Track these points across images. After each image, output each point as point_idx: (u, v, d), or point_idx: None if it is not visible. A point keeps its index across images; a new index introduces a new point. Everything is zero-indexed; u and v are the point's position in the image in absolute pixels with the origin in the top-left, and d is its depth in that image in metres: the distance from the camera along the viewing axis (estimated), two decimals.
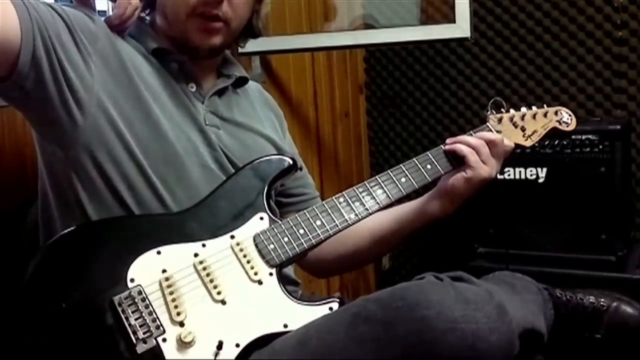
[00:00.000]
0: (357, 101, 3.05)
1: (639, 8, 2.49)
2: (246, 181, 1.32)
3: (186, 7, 1.30)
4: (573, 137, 2.22)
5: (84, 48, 1.22)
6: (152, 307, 1.14)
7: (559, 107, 1.55)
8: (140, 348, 1.10)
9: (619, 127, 2.24)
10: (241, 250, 1.24)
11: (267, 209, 1.30)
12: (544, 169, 2.27)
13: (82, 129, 1.21)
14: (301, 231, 1.28)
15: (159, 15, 1.37)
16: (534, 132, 1.50)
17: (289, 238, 1.27)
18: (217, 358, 1.12)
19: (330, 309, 1.21)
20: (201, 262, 1.20)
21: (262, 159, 1.35)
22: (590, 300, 1.54)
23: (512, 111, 1.50)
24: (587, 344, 1.53)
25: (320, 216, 1.30)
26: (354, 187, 1.35)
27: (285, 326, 1.18)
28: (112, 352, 1.11)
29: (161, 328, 1.12)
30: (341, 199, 1.33)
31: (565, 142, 2.24)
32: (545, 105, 1.54)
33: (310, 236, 1.28)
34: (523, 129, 1.49)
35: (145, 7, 1.39)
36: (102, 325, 1.12)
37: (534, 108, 1.52)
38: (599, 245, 2.21)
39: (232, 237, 1.25)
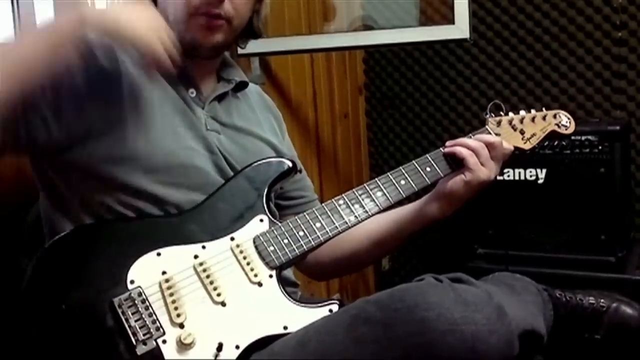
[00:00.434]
0: (357, 102, 3.05)
1: (638, 9, 2.49)
2: (246, 183, 1.32)
3: (189, 6, 1.30)
4: (572, 138, 2.20)
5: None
6: (152, 308, 1.14)
7: (558, 111, 1.56)
8: (140, 350, 1.10)
9: (618, 127, 2.24)
10: (241, 252, 1.24)
11: (267, 211, 1.30)
12: (544, 170, 2.27)
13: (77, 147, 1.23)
14: (301, 233, 1.28)
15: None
16: (533, 135, 1.50)
17: (288, 240, 1.27)
18: (217, 359, 1.13)
19: (330, 310, 1.22)
20: (201, 264, 1.21)
21: (261, 162, 1.35)
22: (590, 301, 1.54)
23: (511, 114, 1.50)
24: (587, 345, 1.53)
25: (320, 218, 1.31)
26: (354, 190, 1.35)
27: (285, 328, 1.18)
28: (112, 353, 1.11)
29: (161, 330, 1.13)
30: (341, 201, 1.33)
31: (564, 143, 2.24)
32: (544, 108, 1.55)
33: (310, 238, 1.28)
34: (522, 132, 1.49)
35: None
36: (102, 327, 1.13)
37: (532, 111, 1.52)
38: (598, 246, 2.21)
39: (232, 239, 1.25)
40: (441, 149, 1.42)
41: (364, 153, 3.10)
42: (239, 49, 2.20)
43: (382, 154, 3.06)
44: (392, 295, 1.08)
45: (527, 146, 1.50)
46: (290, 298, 1.23)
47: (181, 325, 1.14)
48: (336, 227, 1.31)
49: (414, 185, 1.37)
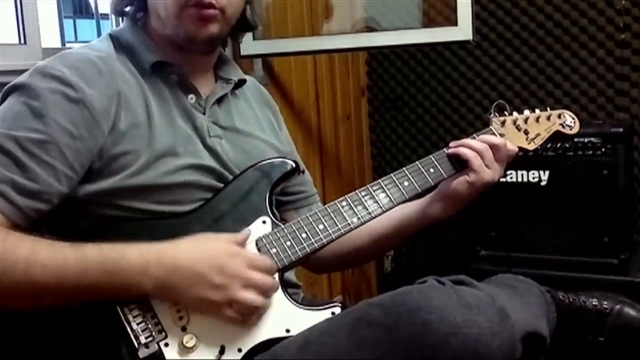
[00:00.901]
0: (359, 104, 3.05)
1: None
2: (248, 185, 1.31)
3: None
4: (575, 140, 2.22)
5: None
6: (154, 311, 1.14)
7: (562, 110, 1.55)
8: (143, 353, 1.10)
9: (621, 129, 2.24)
10: None
11: (269, 212, 1.29)
12: (547, 172, 2.27)
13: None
14: (304, 235, 1.27)
15: (152, 15, 1.34)
16: (537, 135, 1.50)
17: (291, 242, 1.26)
18: None
19: (332, 313, 1.21)
20: None
21: (264, 162, 1.34)
22: (593, 302, 1.53)
23: (515, 114, 1.49)
24: (590, 347, 1.52)
25: (323, 220, 1.30)
26: (357, 191, 1.34)
27: (288, 331, 1.18)
28: (114, 356, 1.11)
29: (163, 333, 1.12)
30: (344, 203, 1.32)
31: (567, 145, 2.24)
32: (548, 108, 1.54)
33: (313, 240, 1.27)
34: (526, 132, 1.48)
35: (137, 10, 1.37)
36: (104, 330, 1.12)
37: (537, 111, 1.51)
38: (601, 248, 2.21)
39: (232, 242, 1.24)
40: (445, 149, 1.41)
41: (367, 154, 3.10)
42: (241, 50, 2.23)
43: (384, 156, 3.06)
44: (394, 298, 1.08)
45: (531, 147, 1.49)
46: (292, 300, 1.23)
47: (183, 328, 1.14)
48: (339, 229, 1.30)
49: (417, 186, 1.37)
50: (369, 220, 1.33)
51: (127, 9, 1.38)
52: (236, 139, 1.38)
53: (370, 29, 2.53)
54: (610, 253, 2.20)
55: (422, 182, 1.38)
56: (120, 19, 1.43)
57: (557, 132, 1.52)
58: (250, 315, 1.16)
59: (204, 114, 1.35)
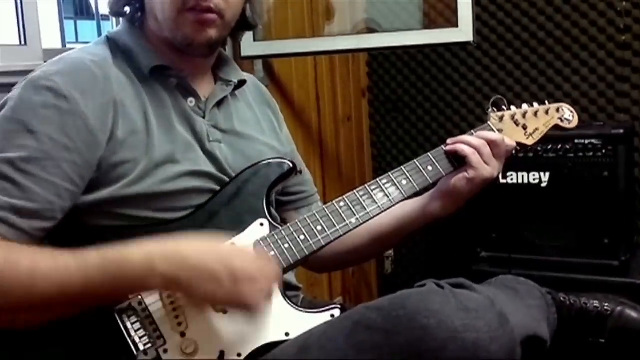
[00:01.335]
0: (360, 105, 3.05)
1: None
2: (246, 187, 1.30)
3: (177, 2, 1.26)
4: (576, 141, 2.22)
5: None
6: (153, 317, 1.13)
7: (561, 104, 1.54)
8: (142, 359, 1.10)
9: (622, 131, 2.23)
10: None
11: (267, 214, 1.28)
12: (547, 174, 2.27)
13: None
14: (302, 237, 1.27)
15: (150, 17, 1.33)
16: (536, 129, 1.49)
17: (289, 244, 1.26)
18: None
19: (332, 315, 1.21)
20: None
21: (261, 164, 1.33)
22: (594, 304, 1.53)
23: (513, 108, 1.48)
24: (591, 349, 1.52)
25: (321, 221, 1.29)
26: (355, 191, 1.34)
27: (287, 335, 1.18)
28: None
29: (162, 339, 1.12)
30: (342, 203, 1.32)
31: (568, 147, 2.23)
32: (547, 102, 1.53)
33: (311, 242, 1.27)
34: (525, 127, 1.47)
35: (135, 11, 1.35)
36: (103, 337, 1.12)
37: (535, 105, 1.50)
38: (602, 250, 2.21)
39: (232, 244, 1.23)
40: (442, 147, 1.41)
41: (367, 156, 3.10)
42: (242, 51, 2.23)
43: (385, 157, 3.06)
44: (393, 302, 1.07)
45: (530, 142, 1.48)
46: (292, 304, 1.22)
47: (182, 334, 1.13)
48: (337, 230, 1.29)
49: (415, 185, 1.36)
50: (367, 221, 1.32)
51: (125, 9, 1.36)
52: (236, 142, 1.37)
53: (371, 30, 2.53)
54: (611, 255, 2.20)
55: (421, 181, 1.37)
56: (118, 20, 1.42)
57: (556, 127, 1.52)
58: (255, 310, 1.15)
59: (203, 117, 1.34)
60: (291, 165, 1.34)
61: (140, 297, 1.14)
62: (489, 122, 1.45)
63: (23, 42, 1.89)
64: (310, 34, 2.64)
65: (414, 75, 2.92)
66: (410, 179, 1.36)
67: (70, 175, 1.15)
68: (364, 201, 1.33)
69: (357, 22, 2.65)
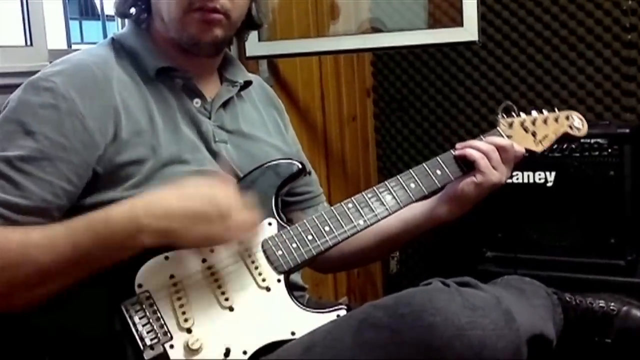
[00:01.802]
0: (365, 105, 3.05)
1: None
2: (254, 186, 1.30)
3: (183, 3, 1.26)
4: (582, 140, 2.21)
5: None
6: (159, 313, 1.14)
7: (570, 112, 1.54)
8: (148, 354, 1.10)
9: (628, 130, 2.23)
10: (249, 256, 1.23)
11: (275, 214, 1.29)
12: (553, 173, 2.27)
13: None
14: (310, 237, 1.27)
15: (155, 18, 1.34)
16: (545, 137, 1.49)
17: (297, 244, 1.26)
18: None
19: (338, 315, 1.21)
20: (209, 268, 1.20)
21: (270, 164, 1.33)
22: (600, 304, 1.53)
23: (523, 115, 1.48)
24: (597, 349, 1.52)
25: (329, 222, 1.30)
26: (363, 193, 1.34)
27: (293, 334, 1.18)
28: (119, 358, 1.11)
29: (168, 334, 1.12)
30: (350, 205, 1.32)
31: (574, 146, 2.23)
32: (556, 109, 1.53)
33: (319, 242, 1.27)
34: (534, 134, 1.48)
35: (140, 12, 1.36)
36: (109, 331, 1.13)
37: (545, 112, 1.50)
38: (608, 250, 2.21)
39: (240, 242, 1.24)
40: (451, 151, 1.41)
41: (372, 156, 3.10)
42: (247, 51, 2.24)
43: (390, 157, 3.06)
44: (399, 300, 1.07)
45: (539, 149, 1.48)
46: (298, 303, 1.23)
47: (189, 330, 1.14)
48: (345, 231, 1.30)
49: (423, 188, 1.37)
50: (375, 222, 1.33)
51: (131, 10, 1.37)
52: (242, 142, 1.38)
53: (375, 30, 2.53)
54: (617, 254, 2.20)
55: (429, 184, 1.37)
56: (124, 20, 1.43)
57: (565, 134, 1.52)
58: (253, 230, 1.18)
59: (209, 118, 1.34)
60: (300, 166, 1.35)
61: (147, 292, 1.15)
62: (498, 128, 1.45)
63: (29, 43, 1.89)
64: (315, 33, 2.64)
65: (419, 75, 2.92)
66: (419, 182, 1.37)
67: (67, 175, 1.17)
68: (372, 203, 1.33)
69: (362, 21, 2.65)
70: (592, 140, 2.21)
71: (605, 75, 2.57)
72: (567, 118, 1.52)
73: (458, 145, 1.41)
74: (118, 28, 2.13)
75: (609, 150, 2.20)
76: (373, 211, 1.32)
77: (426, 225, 1.45)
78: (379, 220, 1.33)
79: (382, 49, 2.67)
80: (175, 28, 1.29)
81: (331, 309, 1.23)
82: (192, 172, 1.25)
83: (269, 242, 1.25)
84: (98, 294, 1.13)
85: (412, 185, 1.36)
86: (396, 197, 1.35)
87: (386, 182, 1.36)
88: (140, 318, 1.13)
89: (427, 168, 1.38)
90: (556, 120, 1.51)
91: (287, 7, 2.52)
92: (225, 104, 1.39)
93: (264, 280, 1.22)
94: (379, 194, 1.34)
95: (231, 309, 1.18)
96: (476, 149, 1.38)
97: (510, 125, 1.46)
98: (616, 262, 2.19)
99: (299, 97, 2.59)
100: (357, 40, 2.35)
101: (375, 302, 1.11)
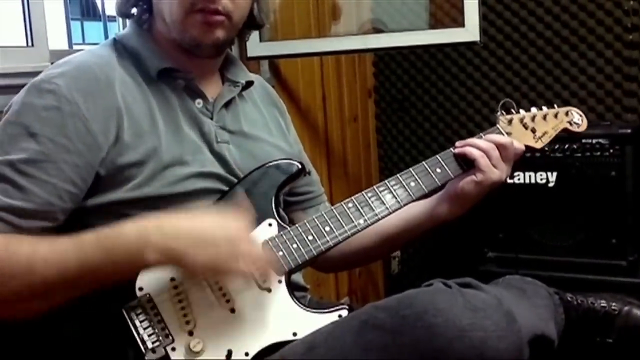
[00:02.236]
0: (366, 105, 3.05)
1: None
2: (254, 187, 1.30)
3: (184, 4, 1.26)
4: (583, 141, 2.22)
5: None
6: (161, 316, 1.14)
7: (570, 108, 1.54)
8: (150, 357, 1.11)
9: (629, 131, 2.23)
10: None
11: (275, 215, 1.29)
12: (554, 173, 2.27)
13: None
14: (310, 238, 1.27)
15: (157, 19, 1.34)
16: (545, 133, 1.49)
17: (297, 245, 1.26)
18: None
19: (340, 316, 1.21)
20: None
21: (270, 164, 1.33)
22: (602, 304, 1.53)
23: (522, 112, 1.48)
24: (599, 349, 1.52)
25: (329, 222, 1.29)
26: (363, 192, 1.34)
27: (295, 334, 1.18)
28: None
29: (170, 337, 1.12)
30: (350, 204, 1.32)
31: (575, 146, 2.23)
32: (555, 106, 1.53)
33: (319, 242, 1.27)
34: (533, 131, 1.48)
35: (142, 12, 1.36)
36: (111, 335, 1.13)
37: (544, 109, 1.51)
38: (609, 250, 2.21)
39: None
40: (451, 149, 1.40)
41: (374, 156, 3.10)
42: (248, 52, 2.24)
43: (391, 157, 3.06)
44: (400, 301, 1.07)
45: (538, 145, 1.48)
46: (299, 304, 1.22)
47: (190, 333, 1.14)
48: (345, 231, 1.30)
49: (424, 187, 1.36)
50: (375, 222, 1.33)
51: (132, 11, 1.37)
52: (244, 143, 1.38)
53: (377, 30, 2.53)
54: (619, 254, 2.20)
55: (429, 183, 1.37)
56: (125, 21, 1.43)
57: (565, 130, 1.52)
58: (263, 270, 1.17)
59: (211, 118, 1.34)
60: (300, 166, 1.34)
61: (148, 295, 1.15)
62: (497, 125, 1.45)
63: (30, 44, 1.89)
64: (316, 34, 2.64)
65: (421, 75, 2.92)
66: (419, 180, 1.36)
67: (70, 177, 1.17)
68: (372, 202, 1.33)
69: (363, 22, 2.65)
70: (594, 141, 2.21)
71: (606, 75, 2.56)
72: (567, 114, 1.53)
73: (458, 144, 1.40)
74: (119, 29, 2.13)
75: (611, 151, 2.20)
76: (373, 210, 1.32)
77: (427, 224, 1.45)
78: (379, 220, 1.33)
79: (383, 49, 2.67)
80: (177, 29, 1.29)
81: (333, 309, 1.23)
82: (193, 174, 1.25)
83: (269, 242, 1.25)
84: (99, 298, 1.13)
85: (412, 183, 1.36)
86: (396, 196, 1.34)
87: (386, 181, 1.36)
88: (141, 321, 1.13)
89: (427, 166, 1.38)
90: (555, 116, 1.51)
91: (289, 8, 2.52)
92: (227, 105, 1.39)
93: (264, 281, 1.21)
94: (379, 193, 1.34)
95: (232, 310, 1.18)
96: (476, 147, 1.37)
97: (510, 122, 1.46)
98: (617, 262, 2.19)
99: (300, 98, 2.59)
100: (359, 40, 2.35)
101: (377, 303, 1.11)
